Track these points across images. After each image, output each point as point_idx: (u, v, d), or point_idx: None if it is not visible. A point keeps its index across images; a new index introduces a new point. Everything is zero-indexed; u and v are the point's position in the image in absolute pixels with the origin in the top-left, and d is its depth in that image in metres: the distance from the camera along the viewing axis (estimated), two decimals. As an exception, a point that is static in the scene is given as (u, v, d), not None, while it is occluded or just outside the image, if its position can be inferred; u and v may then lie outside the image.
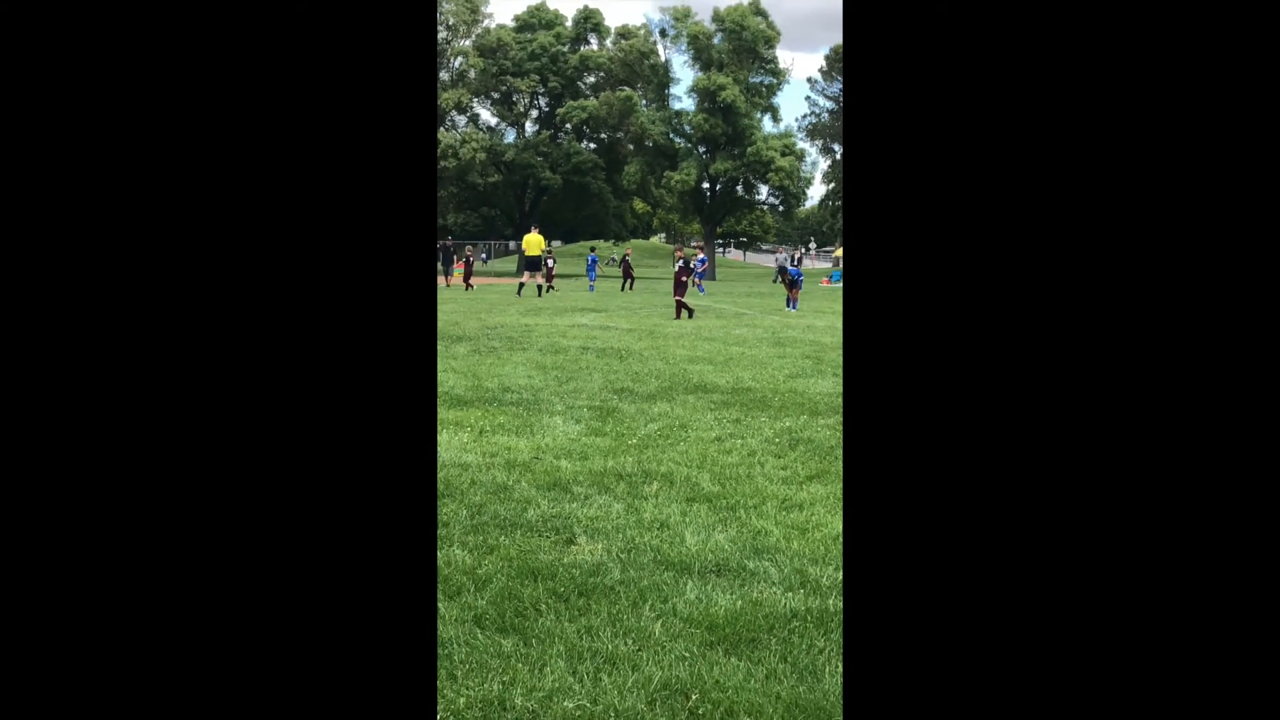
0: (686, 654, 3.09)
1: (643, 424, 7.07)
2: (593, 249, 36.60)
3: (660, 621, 3.35)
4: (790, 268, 24.88)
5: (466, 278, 31.59)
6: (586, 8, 56.21)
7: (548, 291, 26.84)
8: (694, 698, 2.80)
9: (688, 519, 4.59)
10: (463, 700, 2.75)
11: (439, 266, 33.03)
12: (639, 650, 3.11)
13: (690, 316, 18.50)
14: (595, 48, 56.38)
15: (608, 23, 56.80)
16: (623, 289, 31.80)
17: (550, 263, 29.21)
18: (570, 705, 2.74)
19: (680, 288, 19.21)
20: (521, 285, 26.28)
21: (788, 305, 22.26)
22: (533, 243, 27.46)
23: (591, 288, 31.33)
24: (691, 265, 20.76)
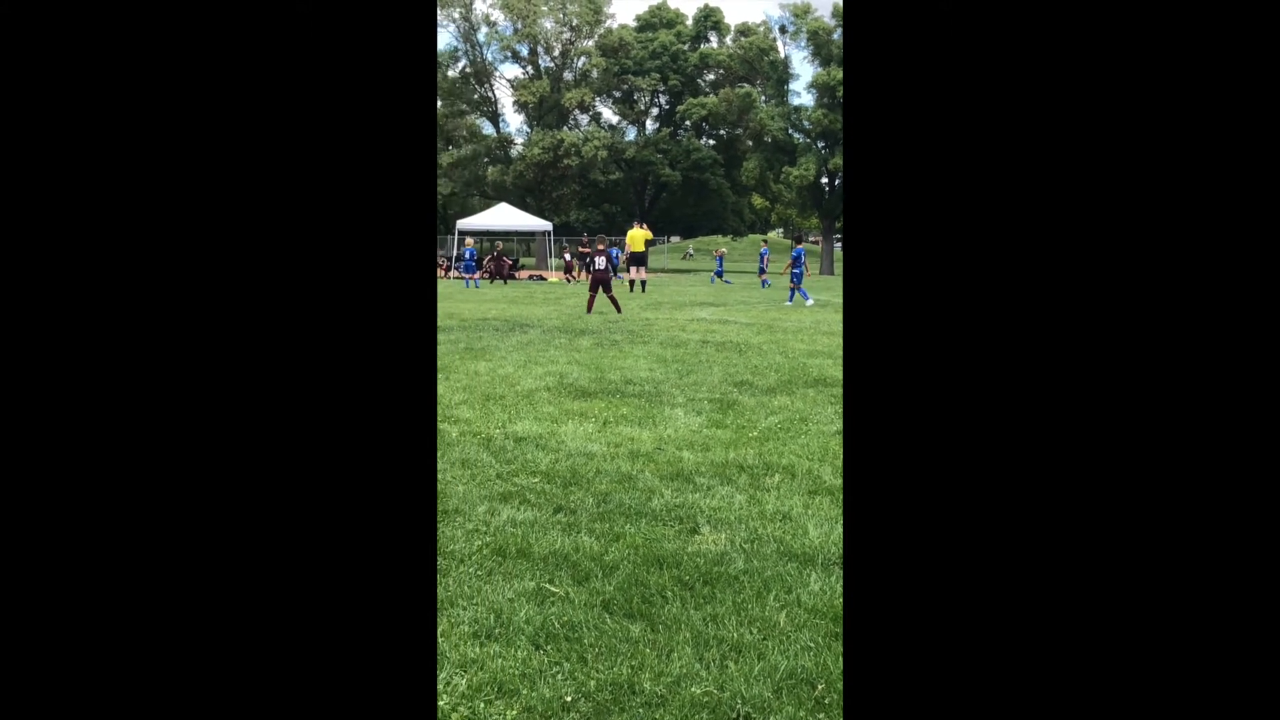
0: (812, 644, 3.09)
1: (763, 417, 7.05)
2: (764, 241, 36.42)
3: (785, 611, 3.35)
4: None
5: (498, 273, 31.20)
6: (707, 6, 56.24)
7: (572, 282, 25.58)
8: (820, 688, 2.80)
9: (810, 511, 4.58)
10: (593, 683, 2.80)
11: (574, 262, 33.17)
12: (764, 639, 3.12)
13: (617, 310, 17.18)
14: (715, 45, 56.40)
15: (728, 20, 56.95)
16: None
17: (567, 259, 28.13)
18: (697, 691, 2.76)
19: (605, 283, 17.52)
20: (641, 282, 26.34)
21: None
22: (636, 238, 27.18)
23: (724, 279, 31.29)
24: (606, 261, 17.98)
